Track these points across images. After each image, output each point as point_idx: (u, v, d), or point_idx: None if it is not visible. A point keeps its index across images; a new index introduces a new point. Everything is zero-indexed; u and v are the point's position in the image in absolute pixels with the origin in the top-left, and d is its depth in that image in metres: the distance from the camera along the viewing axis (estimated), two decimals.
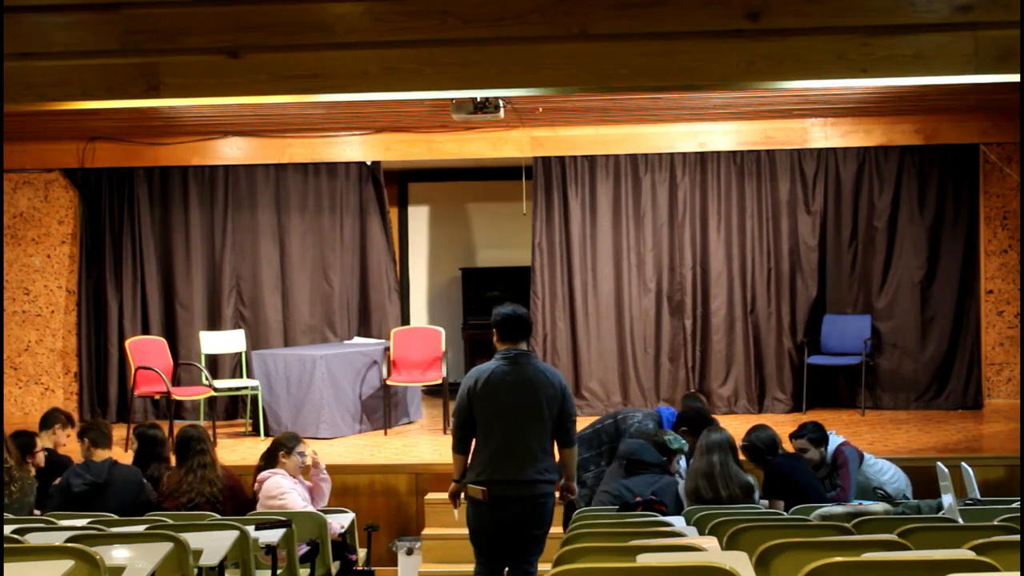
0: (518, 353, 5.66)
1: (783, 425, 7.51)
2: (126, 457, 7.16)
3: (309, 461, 6.73)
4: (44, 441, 6.94)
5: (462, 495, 5.71)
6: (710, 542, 4.74)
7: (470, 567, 5.80)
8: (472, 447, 5.67)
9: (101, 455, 6.56)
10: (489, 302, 11.31)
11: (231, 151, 10.21)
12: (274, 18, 4.63)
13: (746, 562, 4.07)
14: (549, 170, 10.40)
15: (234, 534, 5.06)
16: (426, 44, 4.59)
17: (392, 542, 7.79)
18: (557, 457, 5.75)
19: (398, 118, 9.45)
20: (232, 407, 10.43)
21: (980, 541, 4.05)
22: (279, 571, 5.58)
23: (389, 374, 9.48)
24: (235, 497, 6.50)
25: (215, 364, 10.27)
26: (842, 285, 10.29)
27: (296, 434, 6.84)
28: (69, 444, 7.33)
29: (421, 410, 10.12)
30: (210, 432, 7.47)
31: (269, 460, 6.61)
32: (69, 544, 4.28)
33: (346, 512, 6.62)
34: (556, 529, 5.93)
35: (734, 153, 10.24)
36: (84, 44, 4.69)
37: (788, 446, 6.83)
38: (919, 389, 10.14)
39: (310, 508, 6.42)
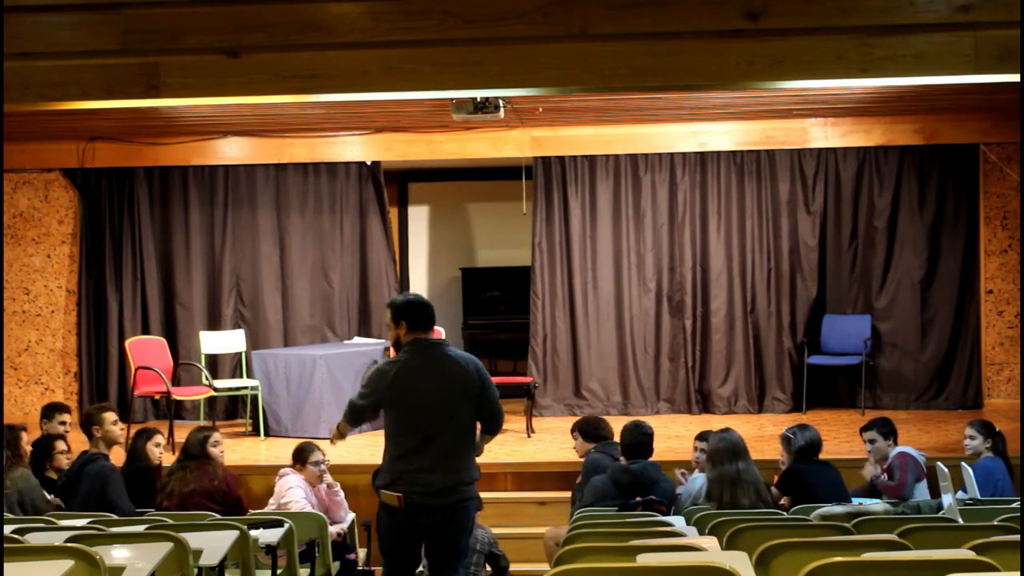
0: (430, 343, 5.22)
1: (783, 425, 7.50)
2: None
3: (326, 469, 6.73)
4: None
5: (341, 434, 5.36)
6: (710, 542, 4.74)
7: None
8: (385, 448, 5.23)
9: (93, 447, 6.53)
10: (489, 302, 11.40)
11: (231, 151, 10.21)
12: (274, 18, 4.64)
13: (746, 562, 4.07)
14: (549, 170, 10.41)
15: (234, 534, 5.06)
16: (426, 44, 4.60)
17: None
18: None
19: (398, 118, 9.45)
20: (232, 407, 10.43)
21: (980, 541, 4.05)
22: (279, 571, 5.58)
23: None
24: (224, 497, 6.48)
25: (215, 364, 10.27)
26: (842, 285, 10.29)
27: (309, 444, 6.84)
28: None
29: None
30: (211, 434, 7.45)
31: (294, 463, 6.73)
32: (69, 544, 4.28)
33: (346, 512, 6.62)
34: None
35: (734, 153, 10.24)
36: (84, 44, 4.70)
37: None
38: (919, 389, 10.15)
39: (309, 509, 6.42)
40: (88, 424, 6.58)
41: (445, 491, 5.06)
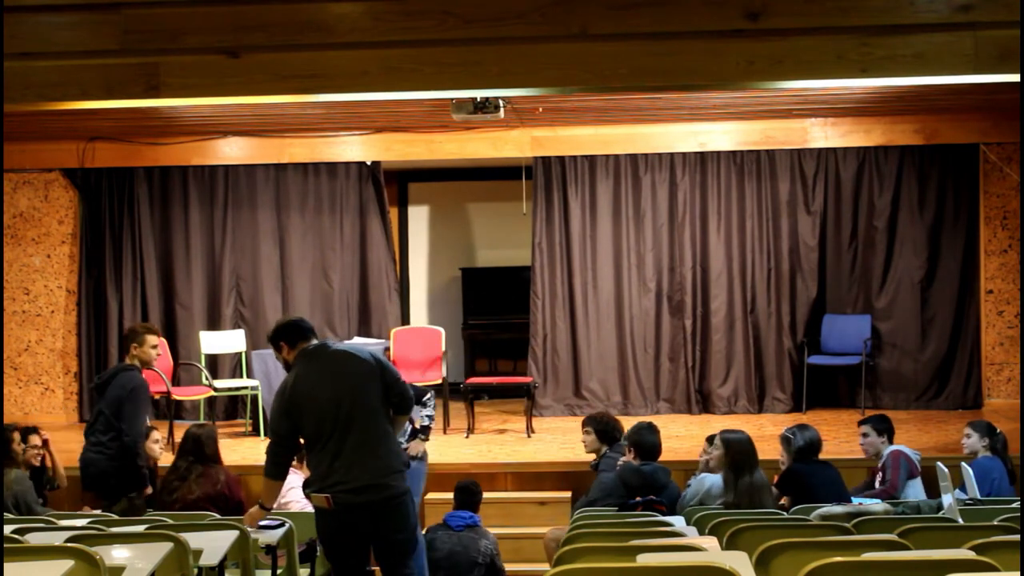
0: (314, 348, 5.24)
1: (783, 425, 7.50)
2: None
3: None
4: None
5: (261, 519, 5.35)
6: (710, 542, 4.74)
7: None
8: (307, 459, 5.28)
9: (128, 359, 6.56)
10: (489, 302, 11.40)
11: (231, 151, 10.21)
12: (274, 18, 4.64)
13: (746, 562, 4.07)
14: (549, 170, 10.40)
15: (234, 534, 5.06)
16: (426, 44, 4.60)
17: None
18: None
19: (398, 118, 9.44)
20: (232, 407, 10.44)
21: (980, 541, 4.06)
22: (279, 571, 5.58)
23: None
24: (227, 501, 6.49)
25: (215, 364, 10.27)
26: (842, 285, 10.29)
27: None
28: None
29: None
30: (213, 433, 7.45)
31: (298, 461, 6.72)
32: (69, 544, 4.28)
33: None
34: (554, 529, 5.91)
35: (734, 153, 10.24)
36: (84, 44, 4.70)
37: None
38: (919, 389, 10.15)
39: (309, 509, 6.42)
40: (129, 339, 6.58)
41: (371, 488, 5.04)
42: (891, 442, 6.96)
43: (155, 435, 6.90)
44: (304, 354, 5.21)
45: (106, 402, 6.28)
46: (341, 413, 5.06)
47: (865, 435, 6.98)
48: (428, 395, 6.77)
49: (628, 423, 6.89)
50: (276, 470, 5.26)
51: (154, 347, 6.58)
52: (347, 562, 5.19)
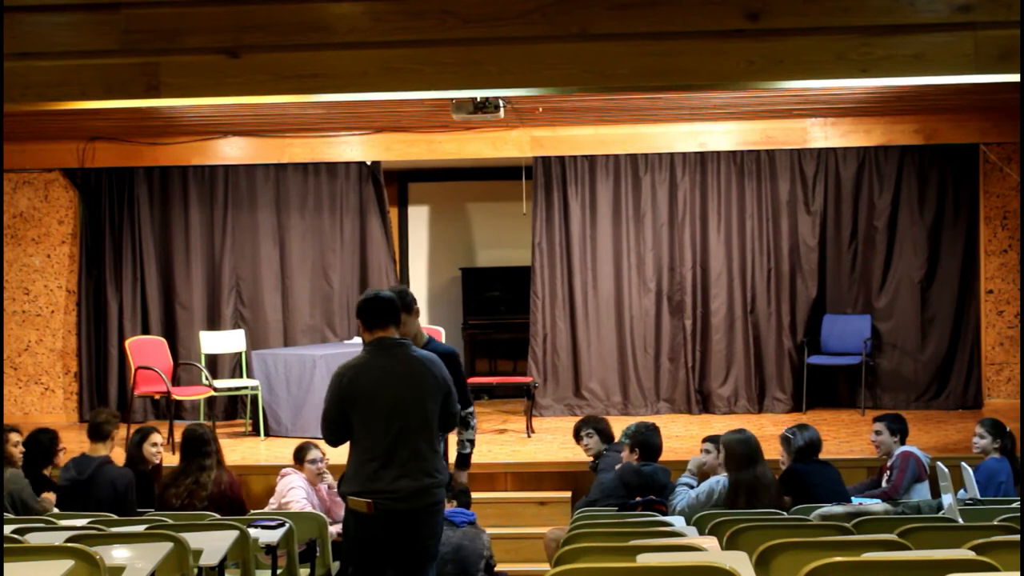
0: (391, 343, 4.96)
1: (783, 425, 7.50)
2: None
3: (325, 467, 6.74)
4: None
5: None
6: (710, 542, 4.74)
7: None
8: (350, 453, 5.01)
9: (97, 450, 6.56)
10: (489, 302, 11.41)
11: (231, 151, 10.21)
12: (274, 18, 4.63)
13: (746, 562, 4.07)
14: (549, 170, 10.41)
15: (234, 534, 5.06)
16: (426, 44, 4.60)
17: None
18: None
19: (398, 118, 9.45)
20: (232, 407, 10.44)
21: (980, 541, 4.05)
22: (279, 571, 5.58)
23: None
24: (231, 503, 6.48)
25: (215, 364, 10.27)
26: (842, 285, 10.29)
27: (307, 443, 6.86)
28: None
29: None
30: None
31: (295, 462, 6.77)
32: (69, 544, 4.28)
33: None
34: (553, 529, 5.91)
35: (734, 153, 10.24)
36: (84, 44, 4.70)
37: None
38: (919, 389, 10.15)
39: (309, 509, 6.43)
40: (102, 427, 6.61)
41: (414, 495, 4.88)
42: (903, 443, 6.95)
43: (155, 438, 6.89)
44: (379, 345, 4.94)
45: (95, 505, 6.27)
46: (400, 418, 4.86)
47: (878, 432, 6.96)
48: (470, 411, 5.92)
49: (628, 423, 6.88)
50: (333, 437, 5.02)
51: (124, 438, 6.73)
52: (370, 566, 5.01)
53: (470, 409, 5.83)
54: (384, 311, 4.98)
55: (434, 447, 5.00)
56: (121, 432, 6.68)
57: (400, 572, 5.05)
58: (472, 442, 5.92)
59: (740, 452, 6.13)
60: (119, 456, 6.89)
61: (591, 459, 6.99)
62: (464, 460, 5.91)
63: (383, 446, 4.85)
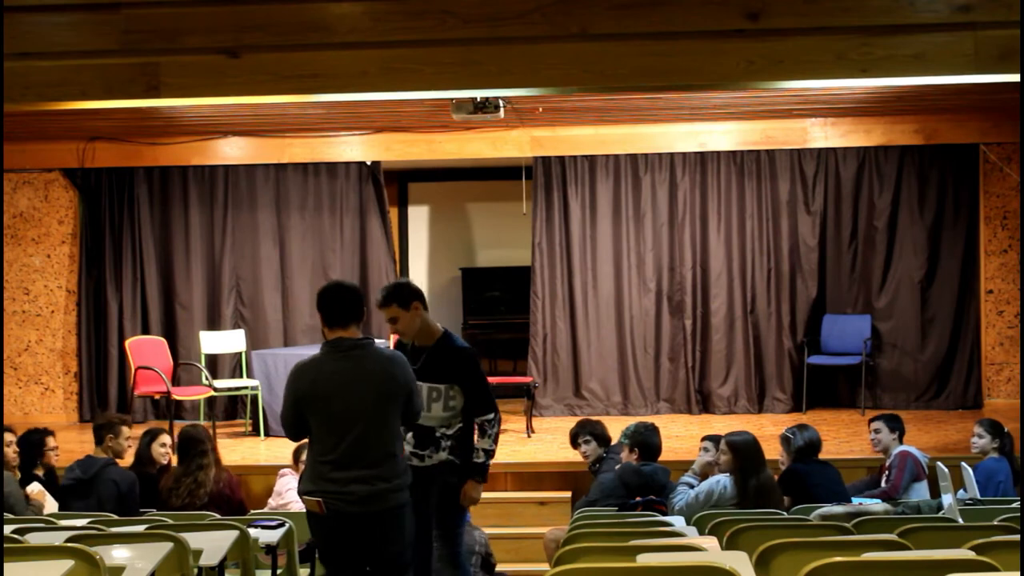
0: (350, 344, 4.70)
1: (783, 425, 7.51)
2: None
3: None
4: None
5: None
6: (710, 542, 4.74)
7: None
8: (307, 452, 4.85)
9: (100, 452, 6.57)
10: (489, 302, 11.40)
11: (231, 151, 10.21)
12: (274, 18, 4.64)
13: (746, 562, 4.07)
14: (549, 170, 10.41)
15: (234, 534, 5.06)
16: (426, 44, 4.60)
17: None
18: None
19: (398, 118, 9.45)
20: (232, 407, 10.44)
21: (980, 541, 4.05)
22: (279, 571, 5.58)
23: None
24: (230, 501, 6.49)
25: (215, 364, 10.27)
26: (842, 285, 10.29)
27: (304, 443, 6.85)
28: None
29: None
30: (210, 432, 7.45)
31: (294, 462, 6.78)
32: (69, 544, 4.28)
33: None
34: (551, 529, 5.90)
35: (734, 153, 10.24)
36: (84, 44, 4.70)
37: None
38: (919, 389, 10.15)
39: None
40: (105, 430, 6.60)
41: (366, 500, 4.65)
42: (901, 443, 6.96)
43: (163, 438, 6.88)
44: (340, 346, 4.70)
45: (98, 505, 6.28)
46: (352, 427, 4.65)
47: (877, 431, 6.99)
48: (488, 417, 5.34)
49: (628, 423, 6.87)
50: (290, 433, 4.92)
51: (127, 439, 6.69)
52: (341, 568, 4.85)
53: (489, 416, 5.30)
54: (344, 309, 4.73)
55: (392, 450, 4.75)
56: (123, 437, 6.63)
57: None
58: (489, 452, 5.33)
59: (752, 454, 6.14)
60: (128, 462, 6.87)
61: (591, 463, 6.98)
62: (479, 470, 5.29)
63: (338, 449, 4.65)
